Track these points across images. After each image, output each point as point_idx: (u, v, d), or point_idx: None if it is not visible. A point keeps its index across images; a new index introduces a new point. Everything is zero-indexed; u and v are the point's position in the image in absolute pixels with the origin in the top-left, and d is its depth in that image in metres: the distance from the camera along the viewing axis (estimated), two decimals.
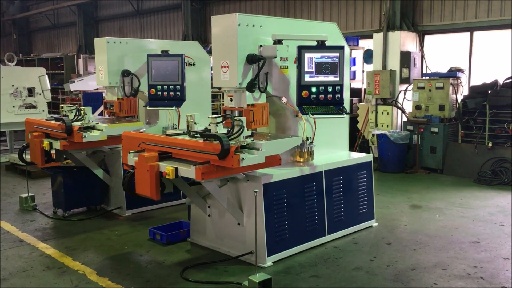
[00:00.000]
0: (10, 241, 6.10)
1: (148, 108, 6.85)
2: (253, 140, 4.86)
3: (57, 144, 6.65)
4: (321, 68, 5.47)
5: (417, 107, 10.27)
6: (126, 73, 7.22)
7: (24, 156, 7.35)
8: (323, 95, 5.47)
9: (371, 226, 6.46)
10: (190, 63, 7.89)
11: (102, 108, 10.07)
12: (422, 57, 10.96)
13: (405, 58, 10.59)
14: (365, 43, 12.02)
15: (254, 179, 5.20)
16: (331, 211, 5.93)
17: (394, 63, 10.68)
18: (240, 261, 5.32)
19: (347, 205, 6.12)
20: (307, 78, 5.44)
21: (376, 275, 4.99)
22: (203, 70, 8.15)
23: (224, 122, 5.00)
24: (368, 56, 11.46)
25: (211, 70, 10.10)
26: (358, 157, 6.40)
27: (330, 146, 6.38)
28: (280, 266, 5.23)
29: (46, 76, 12.18)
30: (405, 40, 10.70)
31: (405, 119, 10.73)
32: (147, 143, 5.21)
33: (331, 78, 5.50)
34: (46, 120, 7.31)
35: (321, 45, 5.50)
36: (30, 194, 7.63)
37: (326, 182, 5.85)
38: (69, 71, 20.55)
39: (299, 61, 5.41)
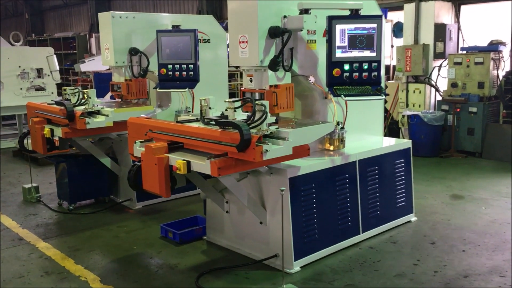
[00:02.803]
0: (9, 239, 5.53)
1: (158, 90, 6.17)
2: (277, 128, 4.14)
3: (58, 131, 6.02)
4: (355, 41, 4.71)
5: (453, 85, 9.39)
6: (134, 52, 6.51)
7: (26, 143, 6.78)
8: (357, 74, 4.74)
9: (409, 221, 5.73)
10: (204, 39, 7.15)
11: None
12: (459, 30, 9.98)
13: (440, 30, 9.66)
14: (394, 16, 11.07)
15: (278, 172, 4.49)
16: (365, 206, 5.21)
17: (427, 36, 9.78)
18: (264, 265, 4.66)
19: (383, 199, 5.40)
20: (338, 53, 4.70)
21: (423, 284, 4.27)
22: (218, 47, 7.40)
23: (243, 106, 4.29)
24: (398, 29, 10.55)
25: (228, 47, 9.42)
26: (395, 143, 5.63)
27: (362, 131, 5.63)
28: (310, 271, 4.55)
29: (55, 56, 11.56)
30: (440, 11, 9.75)
31: (439, 98, 9.86)
32: (155, 132, 4.53)
33: (367, 53, 4.75)
34: (48, 104, 6.66)
35: (355, 15, 4.75)
36: (34, 185, 7.05)
37: (360, 173, 5.12)
38: (82, 51, 20.00)
39: (330, 34, 4.66)
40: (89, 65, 14.21)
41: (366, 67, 4.74)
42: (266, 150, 3.82)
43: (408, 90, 10.04)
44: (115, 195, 6.92)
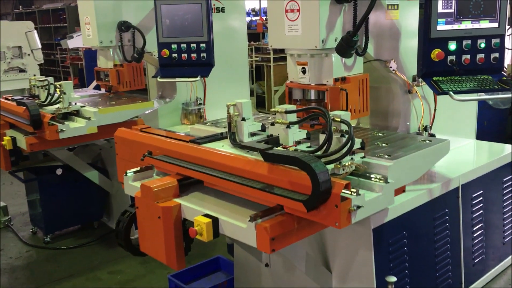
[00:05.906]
0: None
1: (159, 79, 4.45)
2: (364, 157, 2.46)
3: (22, 142, 4.34)
4: (467, 6, 3.00)
5: None
6: (124, 27, 4.81)
7: None
8: (468, 56, 3.04)
9: None
10: (217, 8, 5.39)
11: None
12: None
13: None
14: None
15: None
16: (468, 251, 3.57)
17: None
18: None
19: (489, 235, 3.75)
20: (441, 26, 3.02)
21: None
22: (235, 17, 5.63)
23: (303, 122, 2.61)
24: None
25: (247, 17, 7.63)
26: (504, 154, 3.92)
27: (451, 134, 3.94)
28: None
29: (35, 31, 9.82)
30: None
31: None
32: (156, 158, 2.86)
33: (484, 24, 3.06)
34: (11, 101, 4.94)
35: None
36: (1, 204, 5.42)
37: (463, 203, 3.46)
38: (73, 24, 18.04)
39: None
40: (78, 41, 12.33)
41: (483, 45, 3.05)
42: (358, 207, 2.14)
43: None
44: (107, 216, 5.31)
